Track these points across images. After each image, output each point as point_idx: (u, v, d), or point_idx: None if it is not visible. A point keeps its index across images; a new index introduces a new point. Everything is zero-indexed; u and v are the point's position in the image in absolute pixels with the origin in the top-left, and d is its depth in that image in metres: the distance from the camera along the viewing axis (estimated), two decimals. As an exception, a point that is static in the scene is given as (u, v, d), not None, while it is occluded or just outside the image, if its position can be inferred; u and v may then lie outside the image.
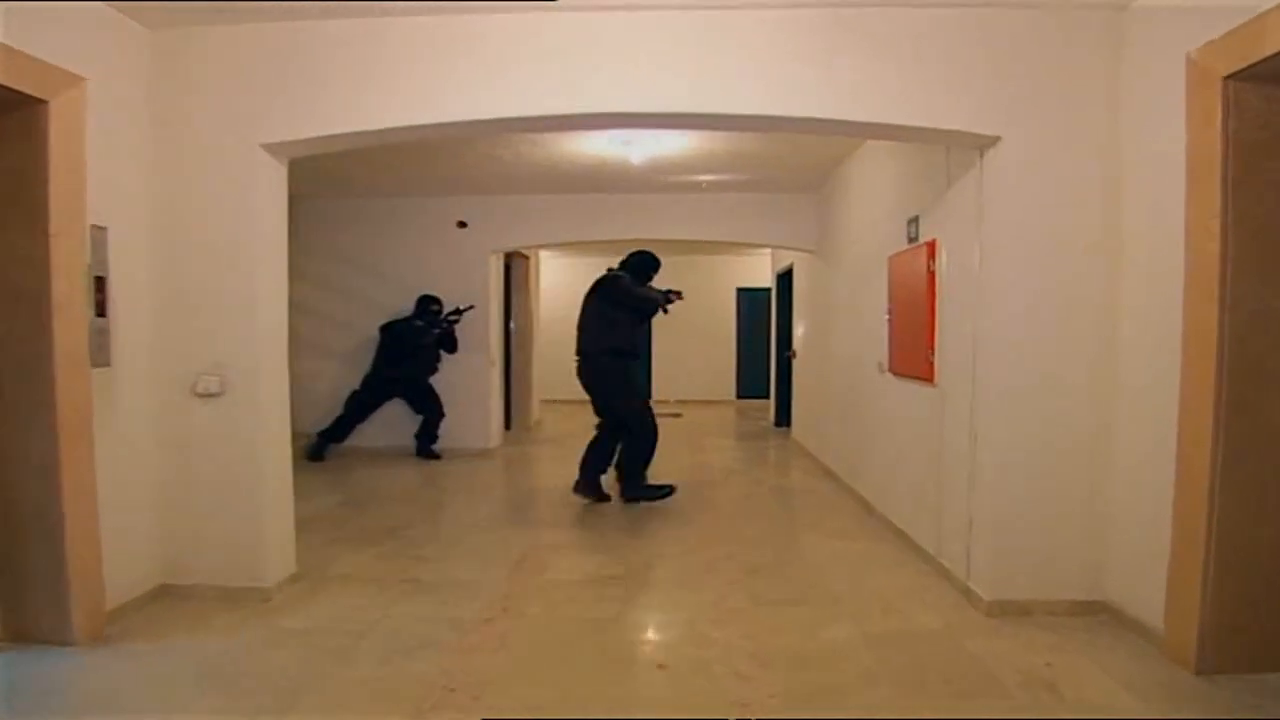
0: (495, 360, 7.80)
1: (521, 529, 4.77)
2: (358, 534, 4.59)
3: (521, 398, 9.37)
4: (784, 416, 9.32)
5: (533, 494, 6.22)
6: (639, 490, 5.31)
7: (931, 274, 3.91)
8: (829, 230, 6.66)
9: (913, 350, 4.17)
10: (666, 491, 5.34)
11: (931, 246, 3.92)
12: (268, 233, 3.44)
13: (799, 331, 8.24)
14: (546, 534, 4.64)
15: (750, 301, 12.66)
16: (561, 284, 12.90)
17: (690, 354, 12.98)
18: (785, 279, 9.14)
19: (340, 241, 7.63)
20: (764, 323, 10.97)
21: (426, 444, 7.32)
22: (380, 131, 3.33)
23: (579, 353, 5.48)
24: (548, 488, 6.36)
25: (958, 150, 3.59)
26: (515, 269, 9.31)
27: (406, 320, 7.16)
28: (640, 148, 5.44)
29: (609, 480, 5.48)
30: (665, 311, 5.49)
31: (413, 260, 7.57)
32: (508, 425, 9.08)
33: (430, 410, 7.30)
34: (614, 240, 7.72)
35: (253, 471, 3.42)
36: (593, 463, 5.36)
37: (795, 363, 8.36)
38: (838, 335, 6.21)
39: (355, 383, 7.21)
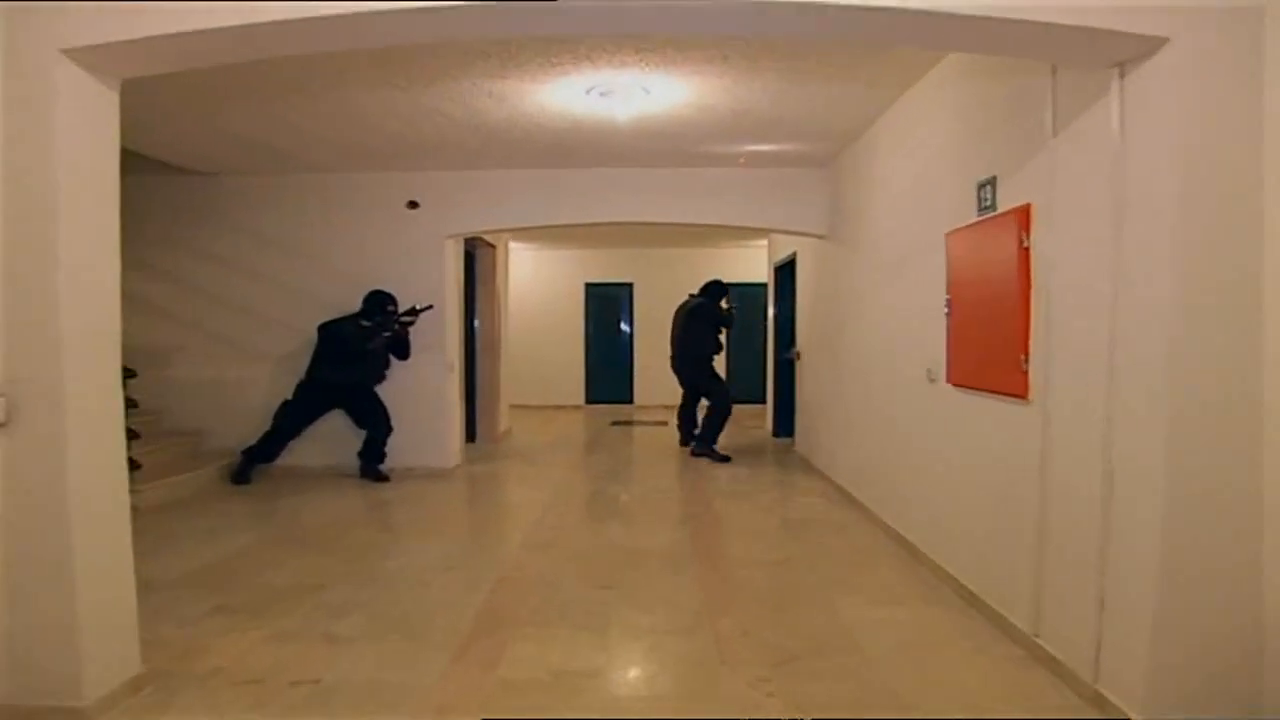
0: (454, 365, 6.69)
1: (476, 586, 3.68)
2: (257, 596, 3.49)
3: (487, 405, 8.26)
4: (784, 425, 8.31)
5: (495, 531, 5.14)
6: (709, 450, 7.13)
7: (1024, 252, 2.88)
8: (847, 209, 5.64)
9: (991, 355, 3.15)
10: (726, 459, 6.98)
11: (1023, 215, 2.89)
12: (80, 186, 2.33)
13: (804, 330, 7.22)
14: (506, 595, 3.57)
15: (741, 298, 11.54)
16: (534, 277, 11.83)
17: (675, 355, 11.92)
18: (786, 271, 8.12)
19: (270, 225, 6.48)
20: (757, 321, 9.98)
21: (372, 464, 6.21)
22: (244, 30, 2.22)
23: (674, 354, 7.63)
24: (514, 520, 5.28)
25: (1073, 74, 2.57)
26: (480, 259, 8.21)
27: (351, 319, 6.04)
28: (624, 100, 4.36)
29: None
30: (731, 326, 7.69)
31: (355, 248, 6.45)
32: (471, 437, 7.98)
33: (376, 424, 6.18)
34: (593, 225, 6.66)
35: (60, 534, 2.31)
36: (685, 425, 7.76)
37: (799, 365, 7.34)
38: (860, 334, 5.19)
39: (291, 392, 6.09)
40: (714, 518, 4.97)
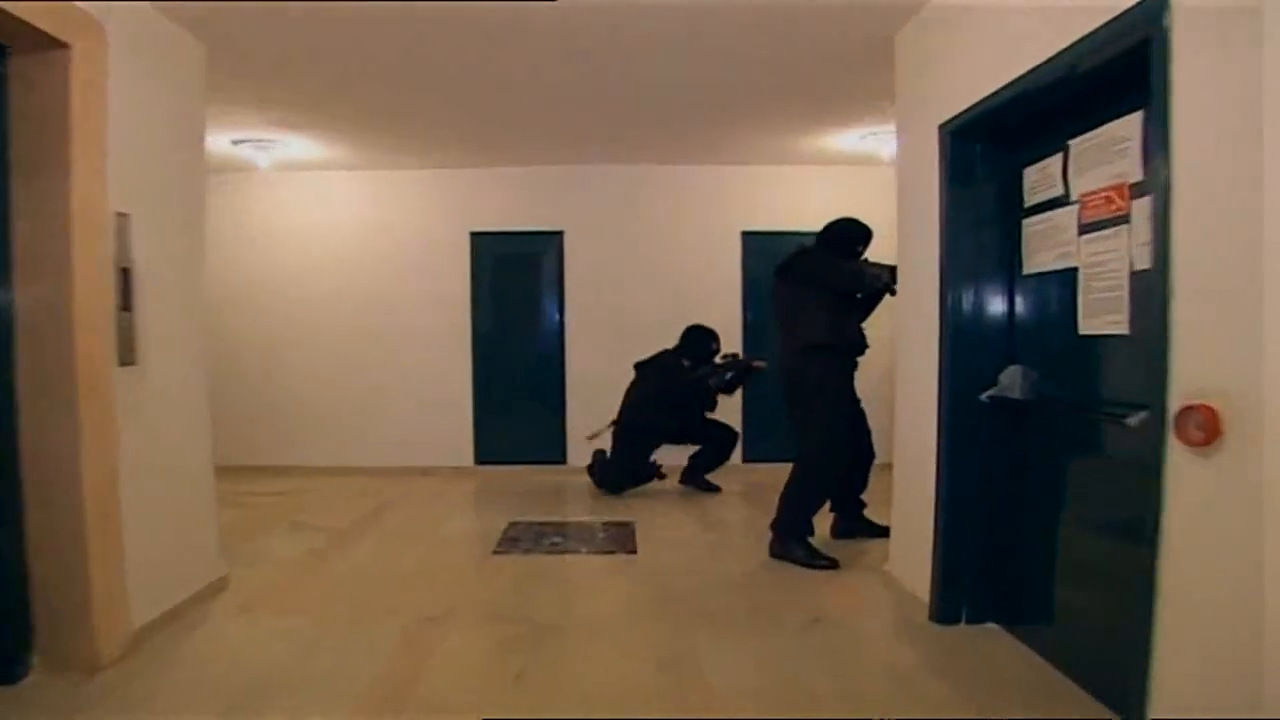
0: None
1: None
2: None
3: (58, 540, 2.62)
4: (988, 593, 2.84)
5: None
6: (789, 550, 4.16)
7: None
8: None
9: None
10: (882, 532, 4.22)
11: None
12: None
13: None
14: None
15: (758, 271, 6.02)
16: (358, 219, 6.28)
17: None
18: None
19: None
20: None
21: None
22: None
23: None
24: None
25: None
26: (15, 94, 2.59)
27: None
28: None
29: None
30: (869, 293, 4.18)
31: None
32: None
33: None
34: None
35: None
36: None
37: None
38: None
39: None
40: None
